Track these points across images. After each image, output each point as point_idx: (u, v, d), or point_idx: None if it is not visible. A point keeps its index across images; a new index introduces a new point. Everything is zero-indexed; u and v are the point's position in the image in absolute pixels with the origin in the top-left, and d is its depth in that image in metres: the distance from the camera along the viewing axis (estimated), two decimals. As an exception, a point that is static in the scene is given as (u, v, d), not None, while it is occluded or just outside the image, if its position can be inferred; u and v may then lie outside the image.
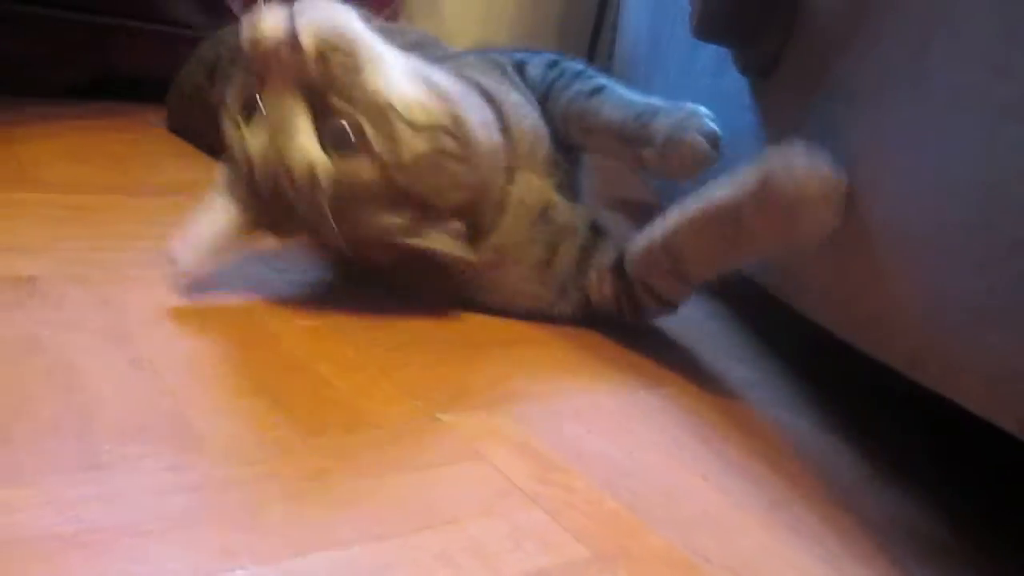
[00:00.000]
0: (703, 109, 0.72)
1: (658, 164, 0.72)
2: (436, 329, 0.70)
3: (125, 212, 0.84)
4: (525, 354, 0.70)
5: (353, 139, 0.61)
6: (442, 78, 0.68)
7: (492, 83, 0.76)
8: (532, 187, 0.75)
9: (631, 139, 0.74)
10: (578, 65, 0.82)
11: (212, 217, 0.66)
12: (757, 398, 0.71)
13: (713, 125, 0.70)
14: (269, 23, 0.60)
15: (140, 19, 1.27)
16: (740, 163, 0.73)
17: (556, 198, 0.76)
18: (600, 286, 0.74)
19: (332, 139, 0.61)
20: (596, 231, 0.77)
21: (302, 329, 0.65)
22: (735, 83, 0.75)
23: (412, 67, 0.66)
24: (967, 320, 0.48)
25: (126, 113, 1.22)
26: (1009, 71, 0.44)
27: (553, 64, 0.82)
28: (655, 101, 0.75)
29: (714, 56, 0.80)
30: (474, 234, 0.70)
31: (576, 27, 1.93)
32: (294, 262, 0.78)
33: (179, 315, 0.64)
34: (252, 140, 0.62)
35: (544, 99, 0.79)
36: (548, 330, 0.75)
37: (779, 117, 0.68)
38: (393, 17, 1.43)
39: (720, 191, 0.63)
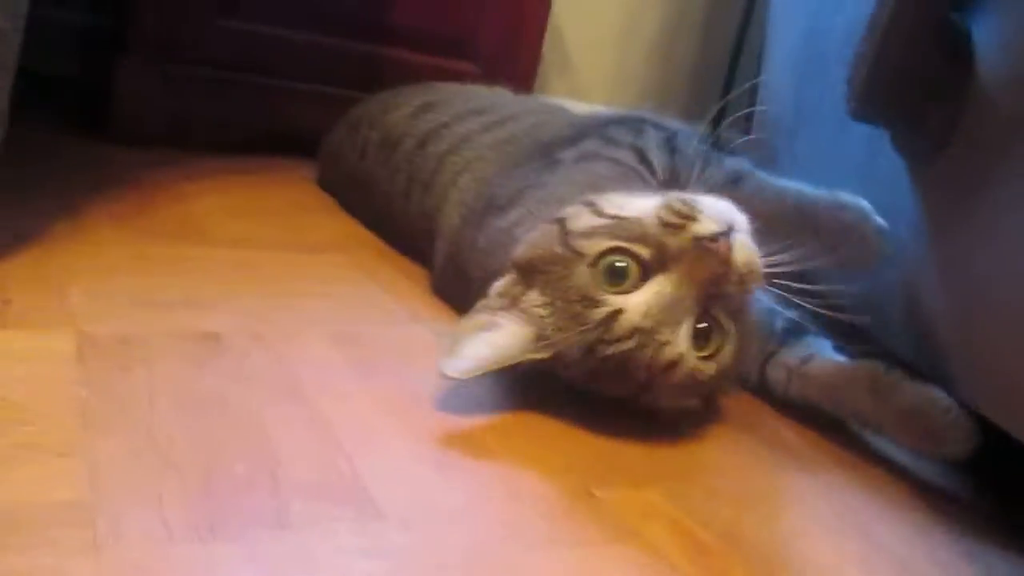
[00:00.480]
0: (864, 203, 0.71)
1: (828, 257, 0.72)
2: (592, 404, 0.71)
3: (290, 268, 0.90)
4: (678, 429, 0.70)
5: (714, 348, 0.63)
6: None
7: None
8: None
9: (791, 230, 0.73)
10: (686, 139, 0.81)
11: (498, 338, 0.64)
12: (913, 482, 0.69)
13: (881, 221, 0.71)
14: (713, 222, 0.61)
15: (311, 81, 1.36)
16: (898, 252, 0.72)
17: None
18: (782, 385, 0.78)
19: (698, 335, 0.62)
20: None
21: (463, 394, 0.68)
22: (892, 164, 0.74)
23: None
24: None
25: (284, 168, 1.31)
26: None
27: (668, 147, 0.80)
28: (807, 189, 0.75)
29: (867, 134, 0.80)
30: None
31: (707, 84, 1.94)
32: (451, 324, 0.81)
33: (343, 374, 0.67)
34: (633, 305, 0.61)
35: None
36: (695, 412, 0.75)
37: (944, 205, 0.67)
38: (529, 81, 1.48)
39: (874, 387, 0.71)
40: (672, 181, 0.77)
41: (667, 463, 0.65)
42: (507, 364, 0.64)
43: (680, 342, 0.61)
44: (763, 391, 0.79)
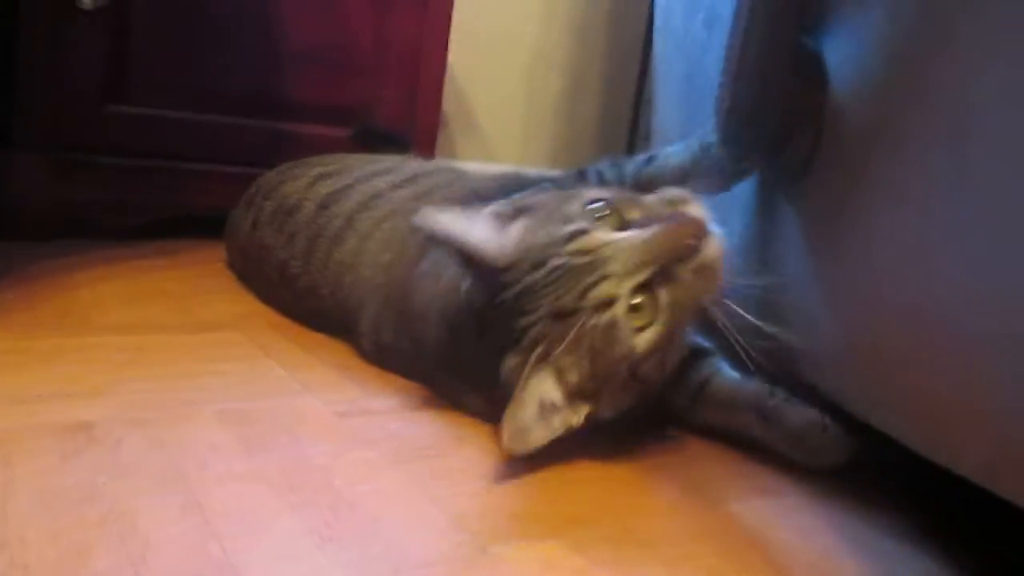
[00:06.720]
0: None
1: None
2: (484, 455, 0.69)
3: (181, 351, 0.86)
4: (580, 476, 0.68)
5: (645, 322, 0.65)
6: None
7: None
8: None
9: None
10: (593, 167, 0.88)
11: (472, 222, 0.70)
12: (826, 508, 0.68)
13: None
14: (704, 213, 0.67)
15: (209, 161, 1.34)
16: (782, 264, 0.73)
17: None
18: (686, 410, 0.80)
19: (636, 303, 0.65)
20: None
21: (352, 461, 0.65)
22: (773, 193, 0.75)
23: None
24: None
25: (184, 251, 1.27)
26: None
27: (580, 176, 0.87)
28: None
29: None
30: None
31: (611, 138, 1.98)
32: (344, 393, 0.79)
33: (228, 454, 0.64)
34: (602, 234, 0.65)
35: None
36: (599, 448, 0.73)
37: (817, 227, 0.68)
38: (431, 143, 1.48)
39: None
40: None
41: (571, 510, 0.62)
42: (469, 245, 0.69)
43: (621, 286, 0.63)
44: (667, 413, 0.80)
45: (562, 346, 0.64)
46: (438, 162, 1.33)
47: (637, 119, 1.92)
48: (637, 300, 0.64)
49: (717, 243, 0.66)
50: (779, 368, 0.78)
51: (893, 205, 0.57)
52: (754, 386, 0.76)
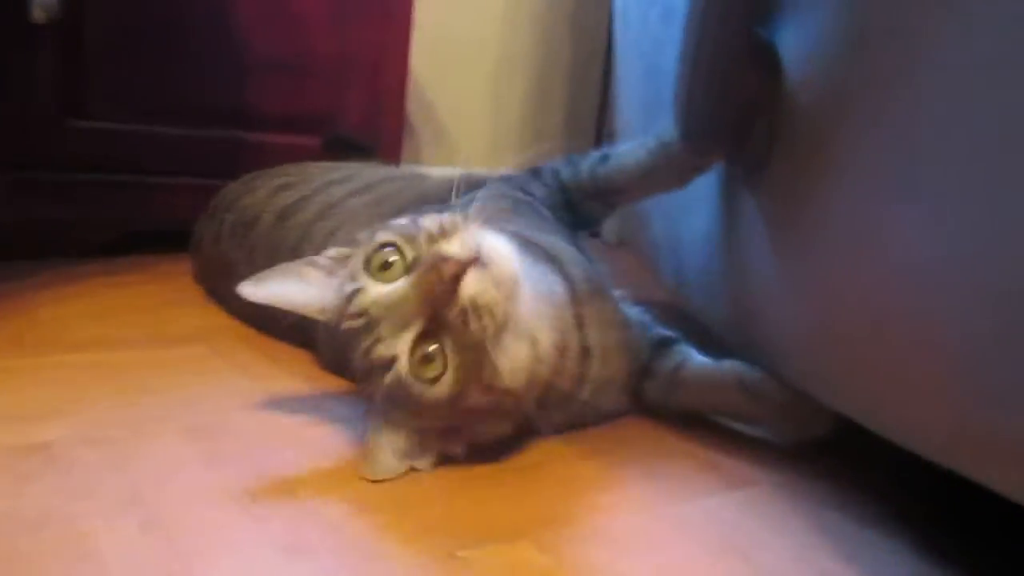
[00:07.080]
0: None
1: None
2: (450, 460, 0.68)
3: (145, 367, 0.84)
4: (546, 476, 0.68)
5: (438, 372, 0.60)
6: (547, 330, 0.66)
7: (546, 238, 0.76)
8: (604, 324, 0.75)
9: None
10: (549, 164, 0.88)
11: (299, 286, 0.69)
12: (798, 502, 0.67)
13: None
14: (462, 247, 0.59)
15: (173, 174, 1.32)
16: (747, 256, 0.73)
17: (623, 316, 0.79)
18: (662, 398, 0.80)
19: (425, 354, 0.60)
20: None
21: (318, 473, 0.64)
22: (737, 189, 0.75)
23: (535, 323, 0.64)
24: (992, 400, 0.46)
25: (149, 266, 1.25)
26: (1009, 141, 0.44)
27: (535, 173, 0.87)
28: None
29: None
30: (566, 392, 0.71)
31: (578, 138, 1.98)
32: (310, 404, 0.78)
33: (191, 470, 0.63)
34: (372, 291, 0.62)
35: (563, 202, 0.84)
36: (568, 448, 0.73)
37: (775, 208, 0.67)
38: (397, 152, 1.48)
39: None
40: (557, 194, 0.85)
41: (537, 512, 0.62)
42: (294, 309, 0.69)
43: (397, 345, 0.61)
44: (644, 407, 0.81)
45: (380, 403, 0.63)
46: (399, 168, 1.32)
47: (602, 120, 1.93)
48: (427, 350, 0.60)
49: (476, 280, 0.59)
50: (745, 357, 0.78)
51: (844, 190, 0.57)
52: (730, 364, 0.77)
